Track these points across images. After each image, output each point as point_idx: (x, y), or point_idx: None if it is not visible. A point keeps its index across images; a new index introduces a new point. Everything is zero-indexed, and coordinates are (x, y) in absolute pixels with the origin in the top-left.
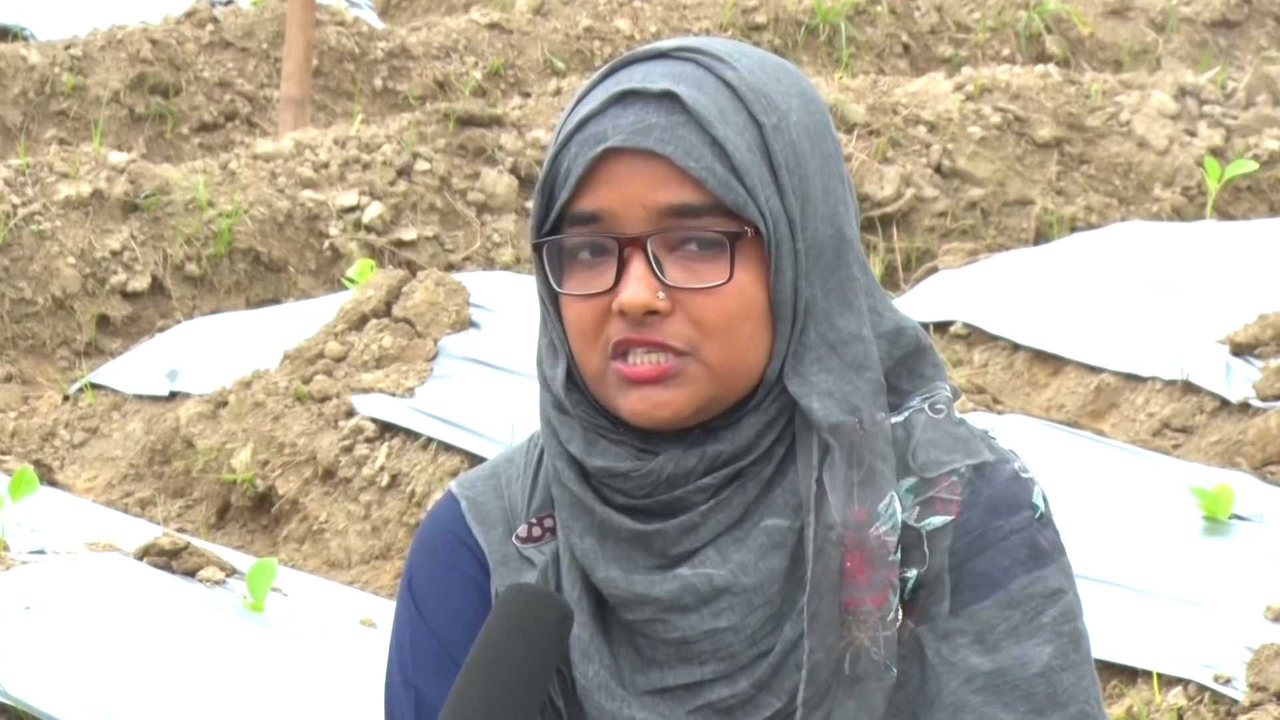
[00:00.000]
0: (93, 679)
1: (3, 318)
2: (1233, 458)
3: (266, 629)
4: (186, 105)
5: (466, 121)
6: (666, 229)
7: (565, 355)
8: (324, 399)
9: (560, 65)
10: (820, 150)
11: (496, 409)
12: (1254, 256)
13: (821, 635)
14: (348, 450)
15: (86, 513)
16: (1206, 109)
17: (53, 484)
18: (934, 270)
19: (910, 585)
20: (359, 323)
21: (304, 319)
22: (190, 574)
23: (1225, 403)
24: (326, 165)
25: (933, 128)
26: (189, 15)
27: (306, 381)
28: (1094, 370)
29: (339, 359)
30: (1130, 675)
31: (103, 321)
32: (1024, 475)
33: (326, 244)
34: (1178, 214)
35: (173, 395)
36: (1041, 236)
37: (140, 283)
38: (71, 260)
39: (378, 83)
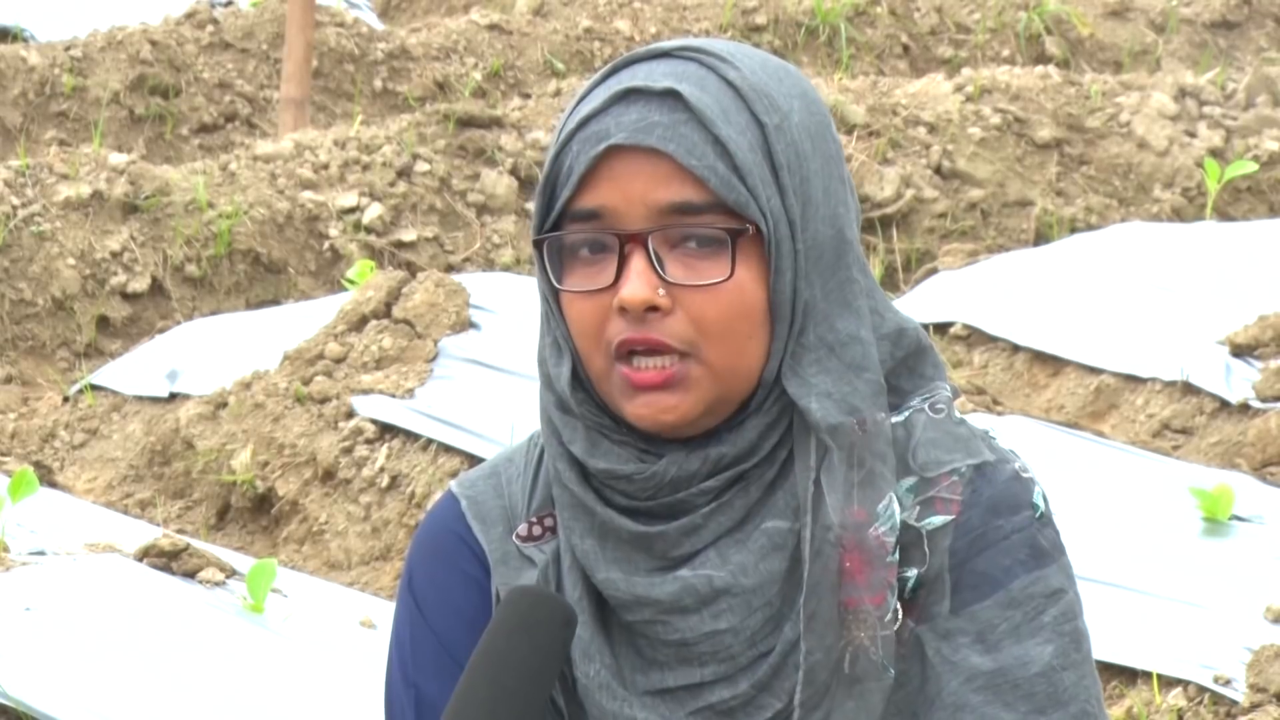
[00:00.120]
0: (93, 680)
1: (3, 319)
2: (1233, 459)
3: (266, 630)
4: (186, 106)
5: (466, 122)
6: (667, 226)
7: (570, 354)
8: (324, 400)
9: (560, 66)
10: (821, 151)
11: (496, 410)
12: (1254, 257)
13: (820, 636)
14: (348, 451)
15: (86, 514)
16: (1206, 110)
17: (53, 485)
18: (934, 271)
19: (910, 585)
20: (359, 324)
21: (304, 320)
22: (190, 575)
23: (1225, 404)
24: (326, 166)
25: (932, 129)
26: (189, 16)
27: (306, 383)
28: (1094, 371)
29: (339, 360)
30: (1130, 676)
31: (103, 323)
32: (1024, 475)
33: (326, 245)
34: (1178, 215)
35: (173, 396)
36: (1041, 237)
37: (140, 284)
38: (71, 261)
39: (377, 84)
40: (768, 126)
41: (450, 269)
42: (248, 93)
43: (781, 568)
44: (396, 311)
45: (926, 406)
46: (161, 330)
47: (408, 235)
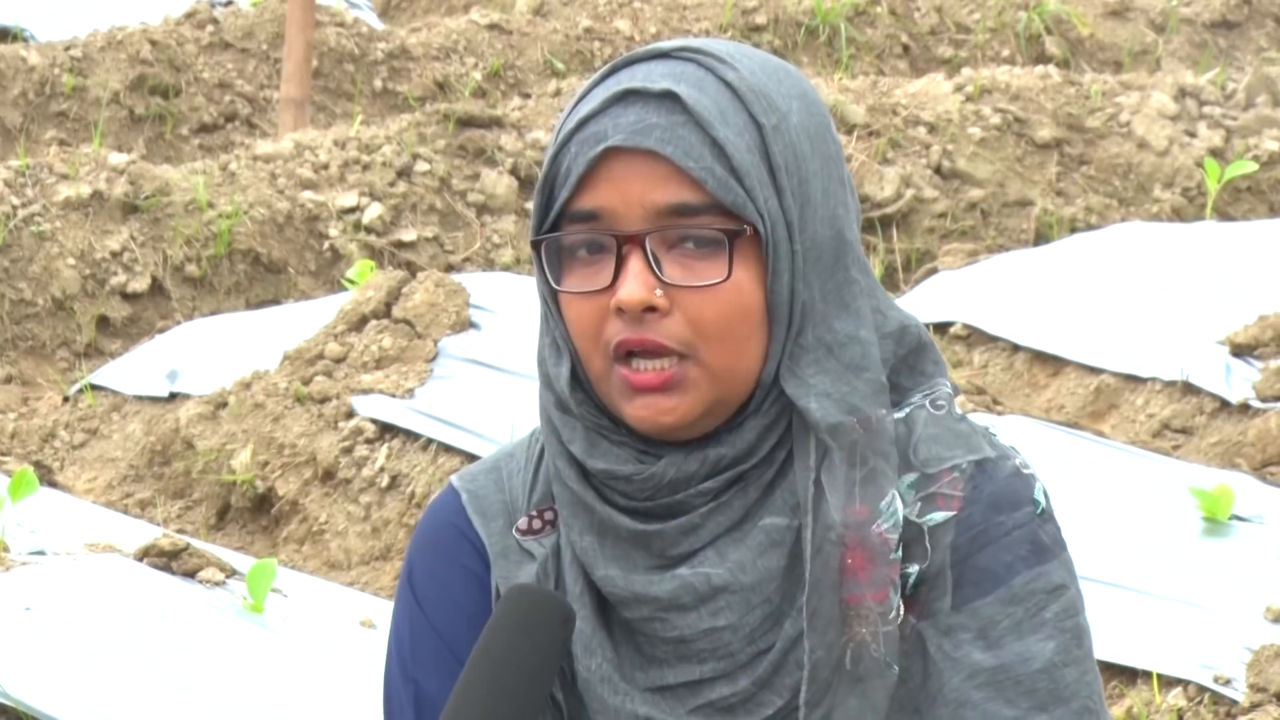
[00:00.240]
0: (93, 679)
1: (2, 319)
2: (1233, 458)
3: (266, 630)
4: (186, 106)
5: (466, 122)
6: (665, 227)
7: (569, 354)
8: (324, 400)
9: (560, 66)
10: (820, 152)
11: (496, 410)
12: (1254, 257)
13: (822, 633)
14: (347, 451)
15: (86, 514)
16: (1206, 110)
17: (53, 485)
18: (934, 271)
19: (912, 581)
20: (359, 324)
21: (304, 320)
22: (190, 575)
23: (1225, 404)
24: (326, 166)
25: (932, 128)
26: (189, 16)
27: (306, 382)
28: (1094, 371)
29: (339, 360)
30: (1130, 676)
31: (103, 322)
32: (1025, 471)
33: (326, 245)
34: (1178, 215)
35: (173, 396)
36: (1041, 237)
37: (140, 284)
38: (71, 261)
39: (377, 84)
40: (766, 127)
41: (450, 269)
42: (248, 93)
43: (780, 564)
44: (396, 311)
45: (927, 403)
46: (161, 330)
47: (408, 235)
